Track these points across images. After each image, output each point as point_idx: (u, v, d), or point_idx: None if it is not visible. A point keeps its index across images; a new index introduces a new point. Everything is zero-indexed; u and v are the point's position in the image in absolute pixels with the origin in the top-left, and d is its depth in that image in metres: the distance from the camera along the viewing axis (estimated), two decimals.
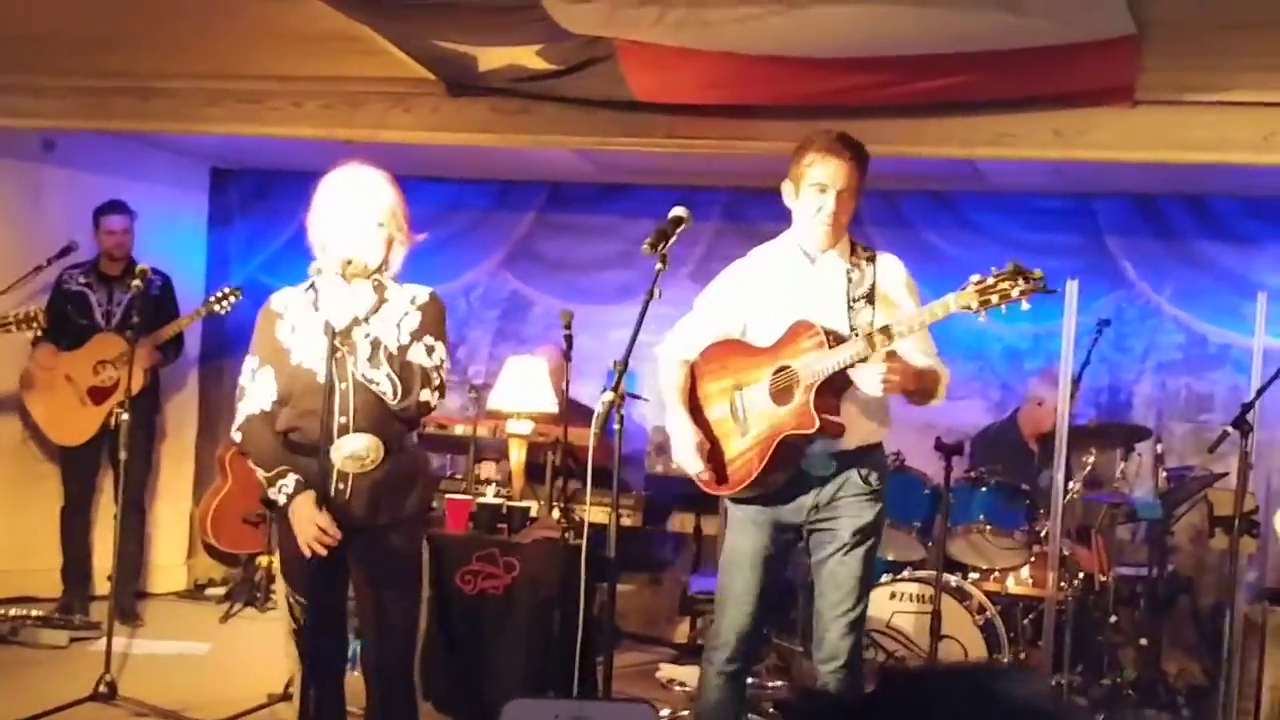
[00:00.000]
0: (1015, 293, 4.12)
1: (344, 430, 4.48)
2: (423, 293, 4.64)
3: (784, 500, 4.64)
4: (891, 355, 4.39)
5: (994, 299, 4.14)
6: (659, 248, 4.37)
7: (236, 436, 4.69)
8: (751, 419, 4.61)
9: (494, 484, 6.92)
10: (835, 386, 4.45)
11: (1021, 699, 1.28)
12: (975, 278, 4.18)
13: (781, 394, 4.52)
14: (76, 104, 7.54)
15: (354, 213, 4.51)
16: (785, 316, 4.57)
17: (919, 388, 4.56)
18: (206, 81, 7.23)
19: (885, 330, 4.33)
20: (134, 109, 7.49)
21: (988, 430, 7.97)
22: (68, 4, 6.05)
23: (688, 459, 4.66)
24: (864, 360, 4.34)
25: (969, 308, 4.18)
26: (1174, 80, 6.00)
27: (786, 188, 4.66)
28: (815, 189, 4.55)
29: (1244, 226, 8.02)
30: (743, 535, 4.72)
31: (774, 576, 4.78)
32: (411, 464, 4.66)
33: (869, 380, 4.37)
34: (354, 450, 4.48)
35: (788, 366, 4.49)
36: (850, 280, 4.61)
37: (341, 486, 4.49)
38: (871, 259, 4.69)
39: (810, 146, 4.58)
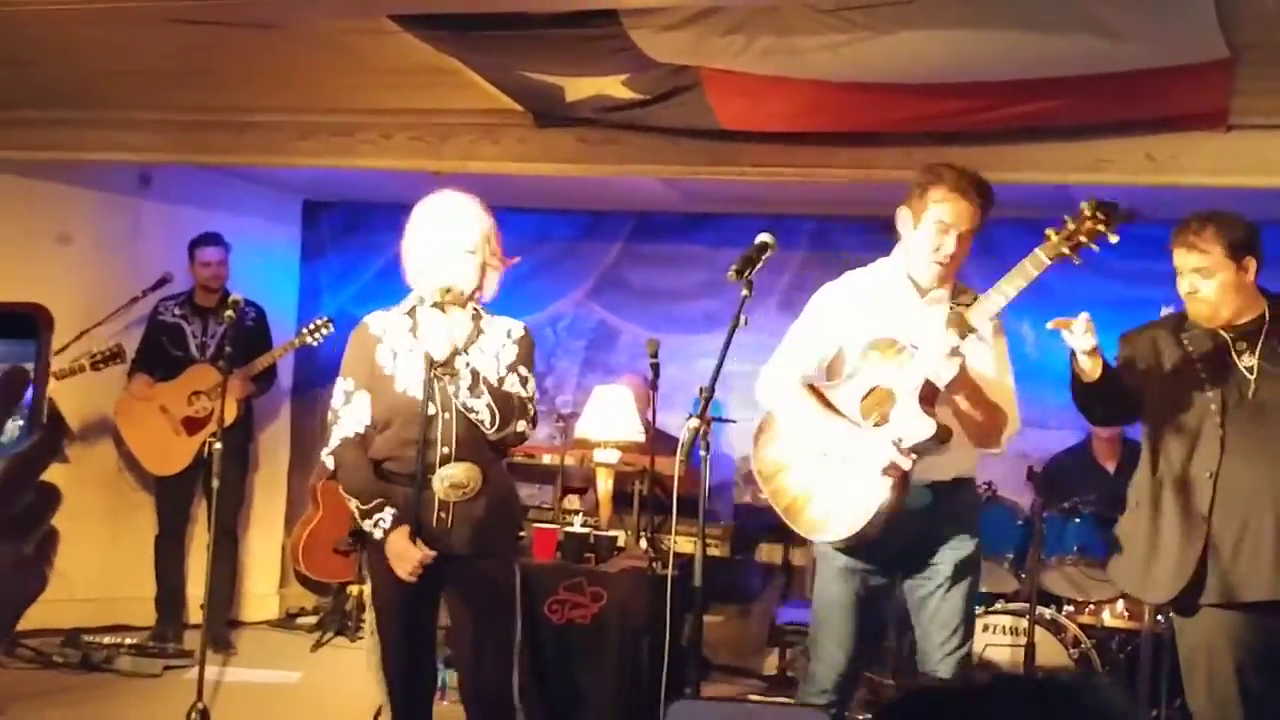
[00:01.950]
0: (1102, 227, 4.07)
1: (445, 460, 4.51)
2: (517, 327, 4.70)
3: (879, 542, 4.43)
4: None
5: (1083, 239, 4.10)
6: (744, 274, 4.30)
7: (329, 461, 4.70)
8: (853, 454, 4.38)
9: (581, 513, 6.92)
10: (930, 390, 4.28)
11: (1096, 709, 1.25)
12: (1051, 229, 4.15)
13: (876, 413, 4.39)
14: (172, 138, 7.66)
15: (446, 240, 4.54)
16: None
17: (983, 410, 4.37)
18: (298, 115, 7.32)
19: (963, 315, 4.23)
20: (227, 143, 7.60)
21: (1057, 458, 7.80)
22: (163, 40, 6.12)
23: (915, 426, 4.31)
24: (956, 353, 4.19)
25: (1062, 255, 4.13)
26: (1268, 104, 5.91)
27: (903, 215, 4.50)
28: (938, 227, 4.40)
29: None
30: (834, 584, 4.58)
31: (868, 620, 4.63)
32: (506, 492, 4.70)
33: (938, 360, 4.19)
34: (456, 479, 4.49)
35: (875, 387, 4.37)
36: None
37: (443, 515, 4.51)
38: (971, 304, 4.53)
39: (941, 182, 4.42)
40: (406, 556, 4.44)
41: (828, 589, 4.61)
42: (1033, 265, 4.22)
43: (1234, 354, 4.49)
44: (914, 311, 4.48)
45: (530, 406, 4.59)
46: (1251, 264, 4.47)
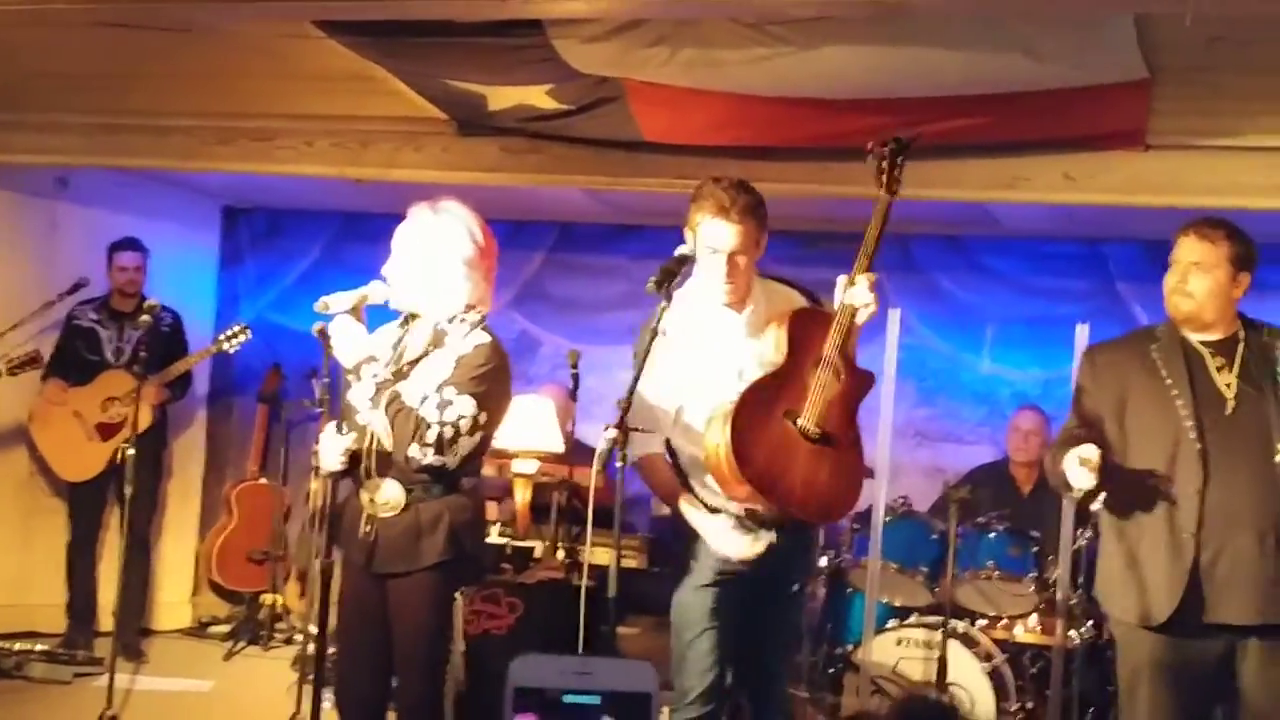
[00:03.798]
0: (901, 159, 4.46)
1: (369, 473, 4.48)
2: (468, 344, 4.49)
3: (742, 549, 4.46)
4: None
5: (899, 173, 4.45)
6: (664, 286, 4.28)
7: None
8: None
9: (498, 524, 6.89)
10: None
11: None
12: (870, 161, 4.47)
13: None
14: (90, 141, 7.58)
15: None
16: (722, 369, 4.48)
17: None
18: (218, 120, 7.26)
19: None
20: (146, 146, 7.53)
21: (974, 473, 7.84)
22: (82, 42, 6.07)
23: (734, 545, 4.44)
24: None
25: (894, 191, 4.44)
26: (1186, 124, 5.98)
27: (688, 236, 4.52)
28: (708, 251, 4.44)
29: (1256, 273, 7.94)
30: (692, 594, 4.55)
31: (730, 626, 4.57)
32: (438, 513, 4.45)
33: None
34: (376, 495, 4.45)
35: (820, 358, 4.39)
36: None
37: (368, 529, 4.47)
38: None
39: (702, 205, 4.46)
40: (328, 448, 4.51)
41: (685, 598, 4.62)
42: (880, 213, 4.44)
43: (1211, 370, 4.49)
44: (730, 325, 4.55)
45: (433, 431, 4.31)
46: (1244, 282, 4.48)
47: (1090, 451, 4.30)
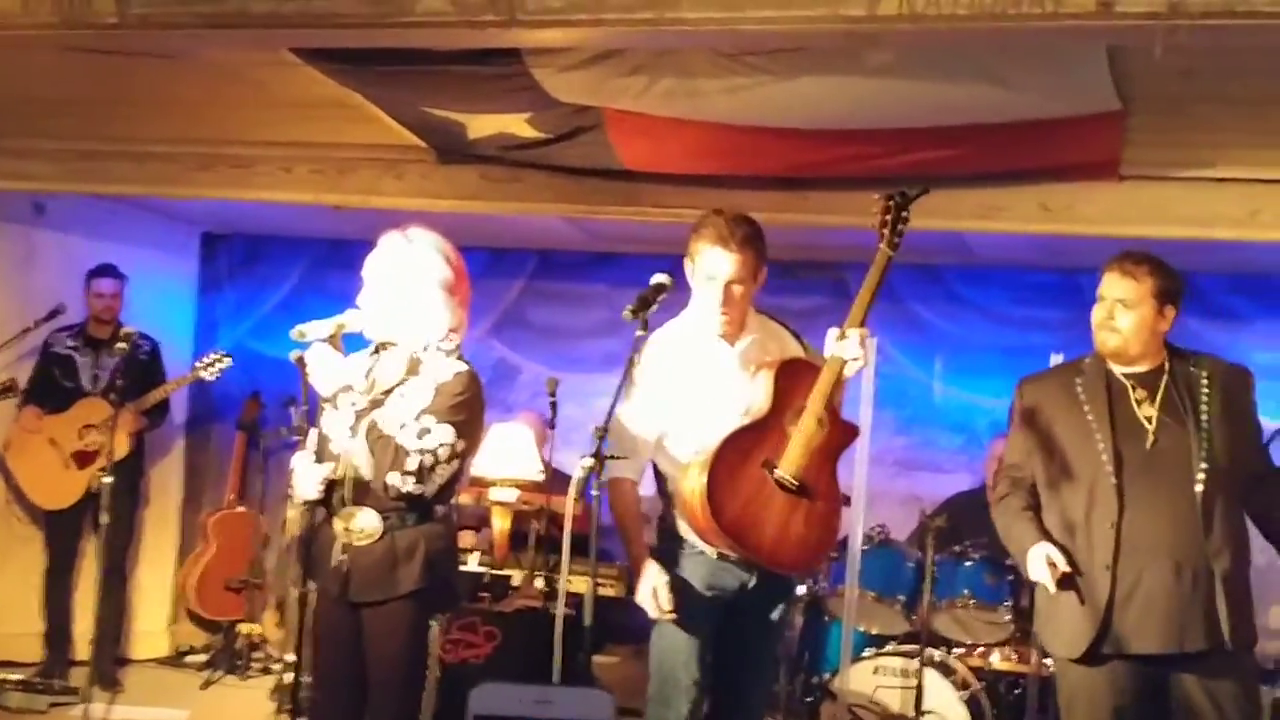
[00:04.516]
0: (905, 214, 4.46)
1: (343, 502, 4.46)
2: (447, 372, 4.49)
3: (728, 579, 4.54)
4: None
5: (902, 228, 4.45)
6: (640, 314, 4.32)
7: None
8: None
9: (477, 552, 6.87)
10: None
11: None
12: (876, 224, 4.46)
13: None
14: (68, 167, 7.56)
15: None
16: (711, 400, 4.52)
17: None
18: (198, 146, 7.26)
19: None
20: (125, 173, 7.51)
21: (953, 500, 7.83)
22: (60, 68, 6.06)
23: (648, 601, 4.46)
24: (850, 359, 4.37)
25: (895, 246, 4.43)
26: (1160, 155, 6.01)
27: (688, 266, 4.57)
28: (705, 279, 4.50)
29: (1230, 302, 7.99)
30: (676, 629, 4.52)
31: (710, 655, 4.57)
32: (413, 541, 4.44)
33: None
34: (350, 523, 4.43)
35: (802, 409, 4.41)
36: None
37: (343, 558, 4.45)
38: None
39: (702, 234, 4.50)
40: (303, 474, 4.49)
41: (670, 631, 4.61)
42: (880, 262, 4.45)
43: (1133, 402, 4.53)
44: (723, 359, 4.58)
45: (414, 458, 4.32)
46: (1170, 314, 4.52)
47: (1060, 560, 4.41)
